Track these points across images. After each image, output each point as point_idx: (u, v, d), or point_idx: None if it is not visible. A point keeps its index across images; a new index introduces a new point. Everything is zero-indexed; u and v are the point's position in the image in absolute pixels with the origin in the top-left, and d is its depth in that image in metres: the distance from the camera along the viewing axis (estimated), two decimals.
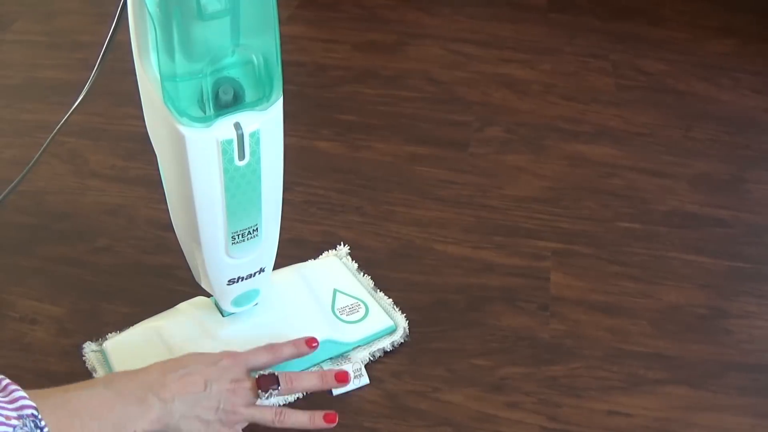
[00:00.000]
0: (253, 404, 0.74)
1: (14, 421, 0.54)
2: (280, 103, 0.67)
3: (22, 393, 0.57)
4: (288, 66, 0.72)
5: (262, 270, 0.79)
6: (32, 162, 0.84)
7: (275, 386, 0.74)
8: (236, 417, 0.73)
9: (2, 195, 0.89)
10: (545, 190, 1.14)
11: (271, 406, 0.75)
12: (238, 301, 0.81)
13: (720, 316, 0.95)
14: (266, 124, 0.67)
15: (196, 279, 0.81)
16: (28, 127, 1.24)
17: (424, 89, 1.38)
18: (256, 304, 0.84)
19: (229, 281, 0.77)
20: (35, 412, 0.56)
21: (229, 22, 0.62)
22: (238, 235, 0.73)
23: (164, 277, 0.96)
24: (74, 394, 0.64)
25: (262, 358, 0.77)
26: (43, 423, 0.56)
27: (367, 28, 1.57)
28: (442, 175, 1.16)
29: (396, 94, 1.36)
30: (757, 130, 1.31)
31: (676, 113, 1.33)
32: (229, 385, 0.72)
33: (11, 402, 0.56)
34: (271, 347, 0.78)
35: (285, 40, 0.66)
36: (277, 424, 0.75)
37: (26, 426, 0.54)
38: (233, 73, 0.65)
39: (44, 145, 0.82)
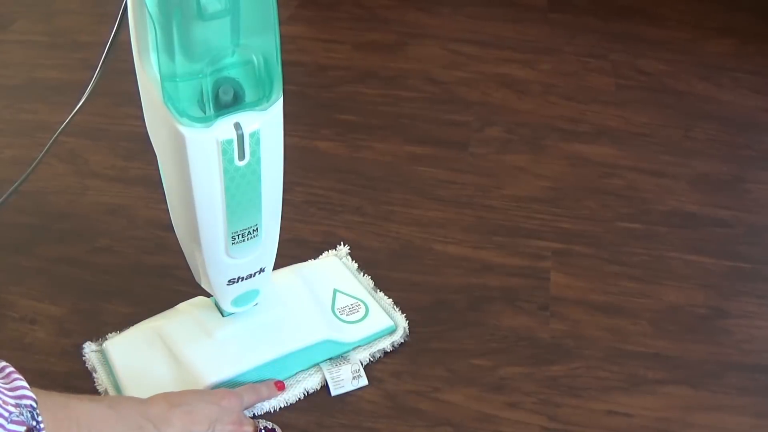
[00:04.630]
0: None
1: (11, 408, 0.53)
2: (280, 103, 0.67)
3: (24, 383, 0.56)
4: (288, 66, 0.72)
5: (262, 270, 0.79)
6: (35, 162, 0.84)
7: None
8: None
9: (4, 196, 0.89)
10: (545, 190, 1.14)
11: None
12: (238, 301, 0.81)
13: (720, 316, 0.95)
14: (266, 124, 0.67)
15: (196, 279, 0.81)
16: (28, 127, 1.24)
17: (424, 89, 1.38)
18: (256, 304, 0.84)
19: (229, 281, 0.77)
20: (34, 404, 0.55)
21: (229, 22, 0.63)
22: (238, 235, 0.73)
23: (164, 277, 0.96)
24: (77, 402, 0.64)
25: (252, 398, 0.79)
26: (40, 418, 0.55)
27: (367, 28, 1.57)
28: (442, 175, 1.16)
29: (396, 94, 1.36)
30: (757, 130, 1.31)
31: (676, 113, 1.33)
32: (231, 427, 0.74)
33: (12, 390, 0.55)
34: (254, 387, 0.81)
35: (285, 40, 0.66)
36: None
37: (22, 415, 0.53)
38: (233, 73, 0.65)
39: (47, 146, 0.82)
